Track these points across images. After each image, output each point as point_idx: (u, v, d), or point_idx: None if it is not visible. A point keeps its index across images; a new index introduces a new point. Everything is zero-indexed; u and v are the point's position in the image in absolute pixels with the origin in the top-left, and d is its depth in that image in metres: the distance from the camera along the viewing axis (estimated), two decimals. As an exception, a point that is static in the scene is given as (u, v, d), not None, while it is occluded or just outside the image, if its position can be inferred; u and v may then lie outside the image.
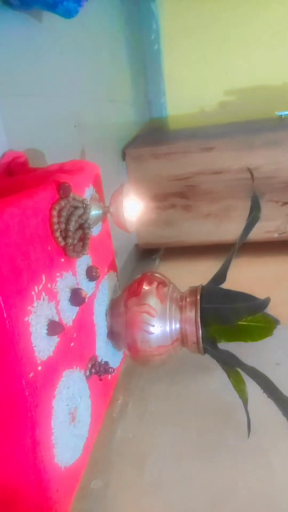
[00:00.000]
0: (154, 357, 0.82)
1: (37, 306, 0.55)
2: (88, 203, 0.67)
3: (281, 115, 1.88)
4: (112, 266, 0.91)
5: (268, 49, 2.05)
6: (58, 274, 0.62)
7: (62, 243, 0.62)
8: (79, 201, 0.65)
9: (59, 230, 0.61)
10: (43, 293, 0.57)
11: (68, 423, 0.64)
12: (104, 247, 0.87)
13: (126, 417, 0.95)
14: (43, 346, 0.56)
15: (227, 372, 0.84)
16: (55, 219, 0.60)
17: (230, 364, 0.83)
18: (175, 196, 1.66)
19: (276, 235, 1.64)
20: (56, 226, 0.60)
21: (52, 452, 0.59)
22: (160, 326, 0.80)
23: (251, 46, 2.07)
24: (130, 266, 1.65)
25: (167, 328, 0.81)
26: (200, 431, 0.89)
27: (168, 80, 2.19)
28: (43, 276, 0.58)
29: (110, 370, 0.75)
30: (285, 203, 1.61)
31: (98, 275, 0.74)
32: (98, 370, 0.73)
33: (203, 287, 0.87)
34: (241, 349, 0.87)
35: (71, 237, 0.63)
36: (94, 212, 0.75)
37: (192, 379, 1.03)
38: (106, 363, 0.75)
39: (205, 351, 0.85)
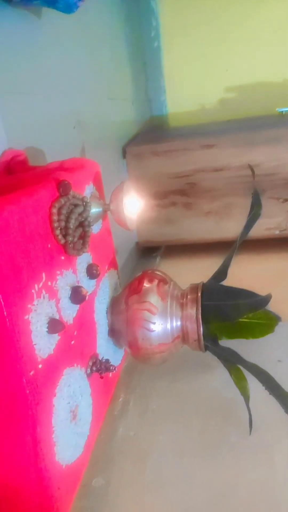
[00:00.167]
0: (155, 354, 0.82)
1: (37, 304, 0.55)
2: (88, 201, 0.67)
3: (282, 111, 1.87)
4: (113, 264, 0.91)
5: (268, 46, 2.05)
6: (58, 272, 0.62)
7: (62, 241, 0.62)
8: (79, 199, 0.65)
9: (59, 228, 0.61)
10: (43, 291, 0.57)
11: (69, 421, 0.64)
12: (105, 245, 0.87)
13: (127, 415, 0.95)
14: (43, 344, 0.56)
15: (229, 369, 0.83)
16: (55, 217, 0.60)
17: (232, 361, 0.83)
18: (175, 193, 1.66)
19: (277, 232, 1.64)
20: (56, 224, 0.60)
21: (53, 450, 0.59)
22: (161, 323, 0.80)
23: (251, 43, 2.06)
24: (131, 264, 1.65)
25: (168, 326, 0.81)
26: (202, 429, 0.89)
27: (168, 77, 2.19)
28: (43, 274, 0.57)
29: (111, 368, 0.75)
30: (286, 200, 1.60)
31: (98, 273, 0.74)
32: (99, 368, 0.73)
33: (204, 284, 0.87)
34: (243, 346, 0.86)
35: (71, 235, 0.63)
36: (94, 209, 0.74)
37: (194, 377, 1.03)
38: (107, 361, 0.75)
39: (206, 348, 0.85)
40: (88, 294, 0.69)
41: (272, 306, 0.86)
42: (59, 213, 0.61)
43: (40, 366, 0.56)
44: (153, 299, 0.81)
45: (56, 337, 0.60)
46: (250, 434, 0.83)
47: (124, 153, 1.62)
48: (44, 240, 0.58)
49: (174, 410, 0.95)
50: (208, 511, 0.73)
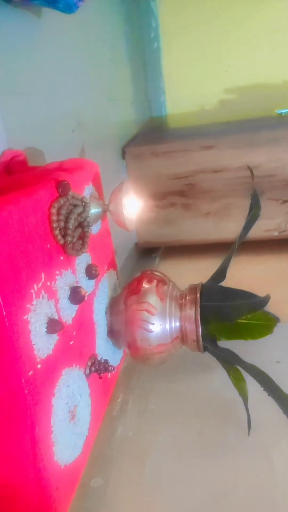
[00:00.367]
0: (154, 355, 0.82)
1: (36, 304, 0.55)
2: (87, 201, 0.67)
3: (281, 113, 1.88)
4: (112, 265, 0.91)
5: (268, 47, 2.05)
6: (57, 272, 0.62)
7: (62, 241, 0.62)
8: (79, 199, 0.65)
9: (58, 228, 0.61)
10: (43, 291, 0.57)
11: (67, 421, 0.64)
12: (104, 245, 0.87)
13: (126, 415, 0.95)
14: (42, 344, 0.56)
15: (227, 370, 0.84)
16: (54, 217, 0.60)
17: (230, 362, 0.83)
18: (175, 194, 1.66)
19: (276, 233, 1.64)
20: (55, 224, 0.60)
21: (51, 450, 0.59)
22: (160, 324, 0.80)
23: (251, 44, 2.06)
24: (130, 264, 1.65)
25: (167, 326, 0.81)
26: (201, 429, 0.89)
27: (167, 78, 2.19)
28: (42, 274, 0.58)
29: (110, 368, 0.75)
30: (285, 201, 1.60)
31: (97, 273, 0.74)
32: (98, 368, 0.73)
33: (203, 285, 0.87)
34: (241, 347, 0.86)
35: (71, 235, 0.63)
36: (94, 210, 0.75)
37: (192, 377, 1.03)
38: (106, 361, 0.75)
39: (205, 349, 0.85)
40: (87, 294, 0.69)
41: (271, 307, 0.86)
42: (58, 214, 0.61)
43: (39, 366, 0.56)
44: (152, 300, 0.81)
45: (55, 337, 0.60)
46: (248, 434, 0.83)
47: (123, 154, 1.62)
48: (43, 240, 0.58)
49: (173, 410, 0.95)
50: (207, 511, 0.73)
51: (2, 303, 0.49)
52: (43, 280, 0.57)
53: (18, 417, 0.54)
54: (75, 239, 0.65)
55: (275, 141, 1.54)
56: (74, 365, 0.67)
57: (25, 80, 0.89)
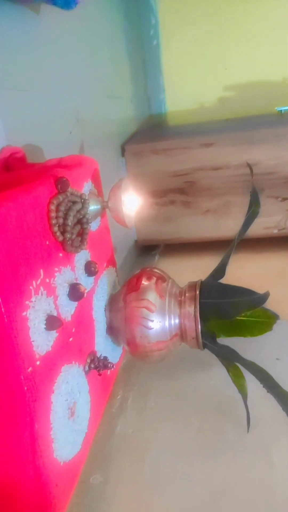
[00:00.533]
0: (153, 352, 0.82)
1: (35, 301, 0.55)
2: (86, 198, 0.67)
3: (281, 110, 1.87)
4: (111, 262, 0.91)
5: (268, 44, 2.05)
6: (56, 269, 0.62)
7: (60, 238, 0.62)
8: (77, 196, 0.65)
9: (57, 225, 0.61)
10: (41, 288, 0.57)
11: (67, 418, 0.64)
12: (103, 242, 0.87)
13: (125, 412, 0.95)
14: (41, 341, 0.56)
15: (227, 367, 0.83)
16: (53, 214, 0.60)
17: (230, 359, 0.83)
18: (174, 192, 1.66)
19: (275, 231, 1.64)
20: (54, 221, 0.60)
21: (51, 447, 0.59)
22: (159, 321, 0.80)
23: (250, 41, 2.06)
24: (129, 262, 1.65)
25: (166, 323, 0.81)
26: (200, 426, 0.89)
27: (167, 75, 2.18)
28: (41, 271, 0.57)
29: (109, 365, 0.74)
30: (284, 199, 1.60)
31: (96, 270, 0.74)
32: (97, 365, 0.73)
33: (202, 282, 0.87)
34: (241, 344, 0.86)
35: (69, 232, 0.62)
36: (93, 207, 0.74)
37: (192, 374, 1.03)
38: (105, 358, 0.75)
39: (205, 346, 0.85)
40: (86, 291, 0.69)
41: (270, 304, 0.86)
42: (57, 210, 0.61)
43: (38, 363, 0.55)
44: (151, 297, 0.81)
45: (54, 334, 0.60)
46: (248, 431, 0.83)
47: (123, 151, 1.62)
48: (42, 237, 0.58)
49: (172, 407, 0.95)
50: (206, 508, 0.74)
51: (0, 300, 0.49)
52: (42, 276, 0.57)
53: (17, 414, 0.54)
54: (74, 236, 0.64)
55: (274, 138, 1.53)
56: (73, 362, 0.67)
57: (24, 77, 0.89)
